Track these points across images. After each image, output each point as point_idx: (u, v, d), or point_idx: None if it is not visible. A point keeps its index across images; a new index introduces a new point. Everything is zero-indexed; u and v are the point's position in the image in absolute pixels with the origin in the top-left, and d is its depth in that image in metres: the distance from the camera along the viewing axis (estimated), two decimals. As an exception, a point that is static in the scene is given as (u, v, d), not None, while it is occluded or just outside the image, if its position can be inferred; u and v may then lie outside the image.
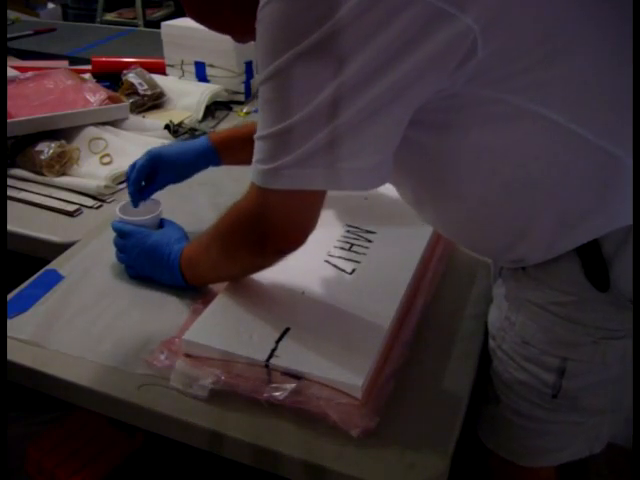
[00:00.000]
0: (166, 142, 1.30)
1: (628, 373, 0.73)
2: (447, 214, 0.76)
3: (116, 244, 0.93)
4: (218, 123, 1.50)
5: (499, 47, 0.57)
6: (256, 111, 1.57)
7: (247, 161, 0.68)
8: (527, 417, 0.80)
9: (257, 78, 0.60)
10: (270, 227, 0.70)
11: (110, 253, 0.98)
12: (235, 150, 1.00)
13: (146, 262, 0.89)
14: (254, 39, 0.61)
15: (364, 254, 0.91)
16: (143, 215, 0.94)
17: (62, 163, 1.20)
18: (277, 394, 0.69)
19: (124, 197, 1.16)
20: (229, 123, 1.51)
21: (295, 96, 0.59)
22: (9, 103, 1.25)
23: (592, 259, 0.68)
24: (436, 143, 0.66)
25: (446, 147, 0.66)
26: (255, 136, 0.65)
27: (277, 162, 0.62)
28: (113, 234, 0.92)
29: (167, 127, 1.38)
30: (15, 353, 0.79)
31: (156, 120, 1.42)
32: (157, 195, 1.01)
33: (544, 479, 0.91)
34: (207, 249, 0.82)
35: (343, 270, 0.88)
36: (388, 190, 1.10)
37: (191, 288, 0.88)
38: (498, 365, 0.81)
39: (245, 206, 0.72)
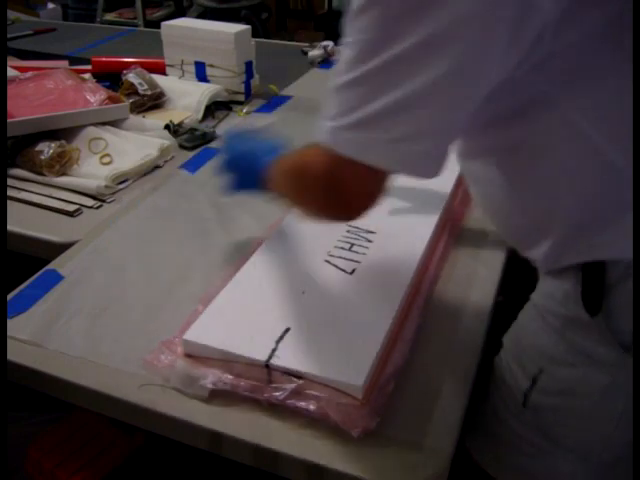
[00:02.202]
0: (166, 142, 1.30)
1: (604, 418, 0.72)
2: (486, 193, 0.79)
3: (222, 149, 0.95)
4: (218, 123, 1.50)
5: (569, 40, 0.58)
6: (256, 111, 1.57)
7: None
8: (500, 421, 0.80)
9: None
10: (332, 190, 0.66)
11: (110, 253, 0.98)
12: None
13: (240, 164, 0.91)
14: None
15: (364, 254, 0.91)
16: None
17: (62, 163, 1.19)
18: (277, 394, 0.69)
19: (124, 197, 1.17)
20: (229, 123, 1.51)
21: (362, 59, 0.57)
22: (9, 103, 1.25)
23: (592, 281, 0.67)
24: (496, 130, 0.67)
25: (505, 135, 0.67)
26: (328, 89, 0.62)
27: (336, 121, 0.60)
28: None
29: (167, 127, 1.38)
30: (15, 353, 0.79)
31: (156, 120, 1.42)
32: None
33: None
34: (281, 184, 0.81)
35: (343, 270, 0.88)
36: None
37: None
38: (497, 365, 0.82)
39: (311, 160, 0.68)
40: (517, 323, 0.80)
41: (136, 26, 3.16)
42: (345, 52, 0.59)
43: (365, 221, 0.99)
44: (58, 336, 0.82)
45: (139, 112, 1.48)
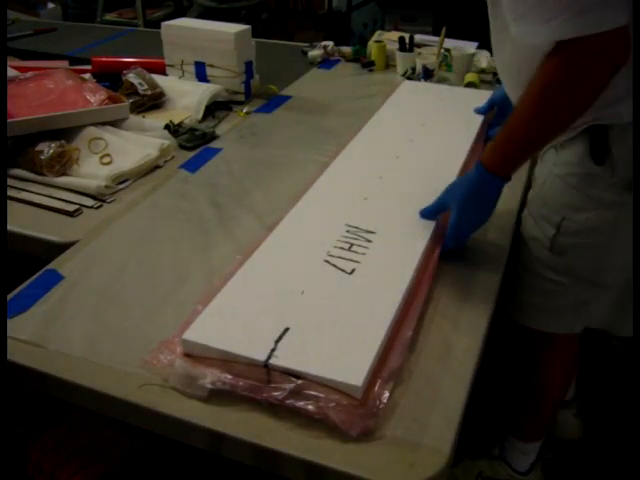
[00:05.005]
0: (166, 142, 1.30)
1: (613, 246, 0.96)
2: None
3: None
4: (218, 123, 1.50)
5: None
6: (256, 111, 1.57)
7: None
8: (532, 272, 1.06)
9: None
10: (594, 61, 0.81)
11: (110, 253, 0.98)
12: None
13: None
14: None
15: (364, 254, 0.91)
16: None
17: (62, 163, 1.20)
18: (277, 394, 0.69)
19: (124, 197, 1.17)
20: (229, 123, 1.51)
21: None
22: (9, 103, 1.25)
23: (597, 141, 0.91)
24: None
25: None
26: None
27: (564, 17, 0.77)
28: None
29: (167, 127, 1.38)
30: (15, 353, 0.79)
31: (156, 120, 1.42)
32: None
33: (563, 349, 1.17)
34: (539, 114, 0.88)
35: (343, 270, 0.88)
36: (388, 191, 1.10)
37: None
38: (524, 228, 1.07)
39: (550, 72, 0.86)
40: (540, 189, 1.03)
41: (136, 26, 3.16)
42: None
43: (365, 221, 0.99)
44: (58, 336, 0.82)
45: (139, 112, 1.48)
